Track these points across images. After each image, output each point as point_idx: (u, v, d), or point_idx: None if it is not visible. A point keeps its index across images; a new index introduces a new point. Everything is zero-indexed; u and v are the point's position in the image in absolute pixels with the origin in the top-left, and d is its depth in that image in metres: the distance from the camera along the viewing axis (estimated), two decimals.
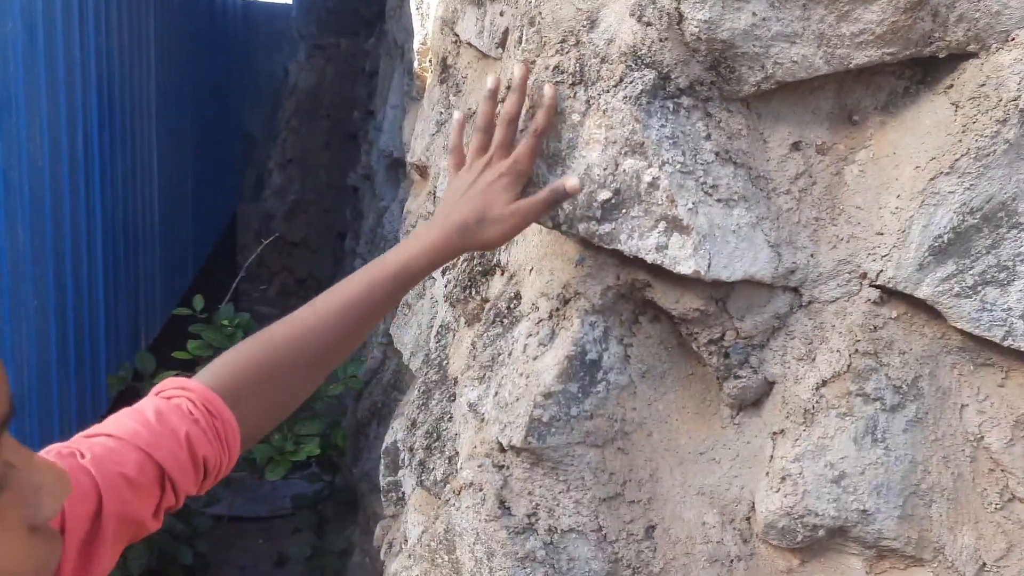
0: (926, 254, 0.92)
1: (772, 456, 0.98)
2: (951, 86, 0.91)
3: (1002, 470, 0.97)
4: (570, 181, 0.94)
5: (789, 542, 0.97)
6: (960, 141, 0.89)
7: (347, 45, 7.16)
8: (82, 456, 0.73)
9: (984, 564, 0.95)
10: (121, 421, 0.79)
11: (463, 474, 1.06)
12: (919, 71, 0.94)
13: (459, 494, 1.04)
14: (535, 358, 1.05)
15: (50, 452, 0.73)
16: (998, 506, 0.97)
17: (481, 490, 1.03)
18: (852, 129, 0.96)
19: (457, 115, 1.03)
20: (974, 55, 0.90)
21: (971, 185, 0.90)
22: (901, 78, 0.94)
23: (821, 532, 0.95)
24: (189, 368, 2.74)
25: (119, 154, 3.85)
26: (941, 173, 0.90)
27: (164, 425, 0.78)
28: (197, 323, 2.77)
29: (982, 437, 0.97)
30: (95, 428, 0.78)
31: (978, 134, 0.88)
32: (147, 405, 0.81)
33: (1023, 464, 0.96)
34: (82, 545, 0.70)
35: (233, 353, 0.89)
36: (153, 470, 0.77)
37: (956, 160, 0.90)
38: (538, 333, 1.07)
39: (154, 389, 0.84)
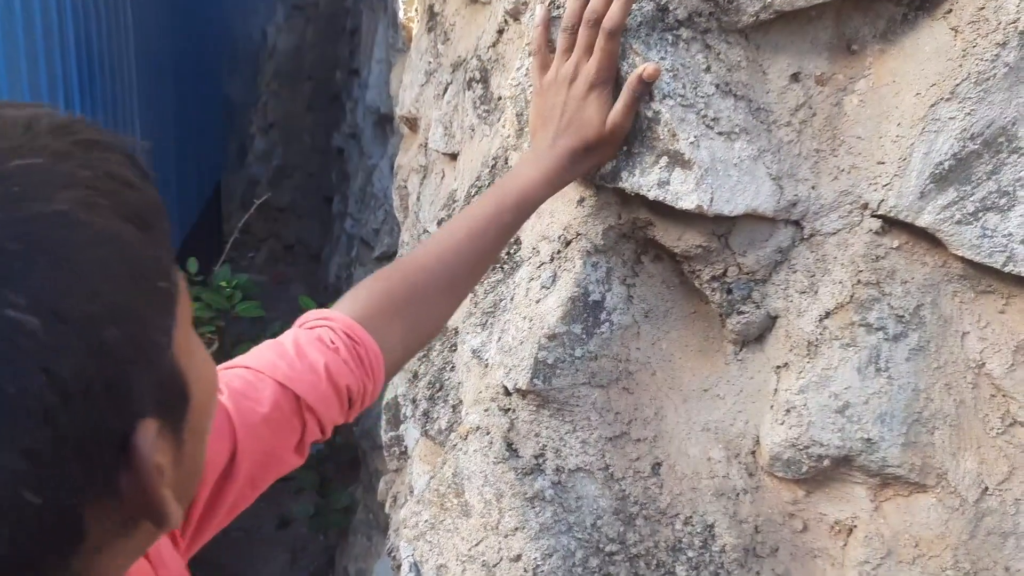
0: (927, 182, 0.92)
1: (776, 389, 0.99)
2: (950, 11, 0.90)
3: (1003, 395, 0.98)
4: (647, 68, 0.89)
5: (794, 473, 0.98)
6: (960, 66, 0.89)
7: (326, 3, 7.04)
8: (220, 393, 0.74)
9: (986, 488, 0.97)
10: (261, 353, 0.80)
11: (469, 419, 1.06)
12: None
13: (466, 438, 1.05)
14: (538, 301, 1.05)
15: None
16: (1000, 431, 0.98)
17: (488, 433, 1.03)
18: (851, 58, 0.95)
19: (540, 10, 0.98)
20: None
21: (972, 110, 0.89)
22: (900, 4, 0.93)
23: (826, 462, 0.96)
24: None
25: (100, 121, 3.79)
26: (942, 99, 0.90)
27: (303, 357, 0.79)
28: (193, 286, 2.76)
29: (983, 363, 0.98)
30: (235, 360, 0.80)
31: (978, 58, 0.87)
32: (287, 337, 0.82)
33: (1023, 390, 0.97)
34: (216, 483, 0.73)
35: (368, 283, 0.90)
36: (291, 403, 0.78)
37: (956, 85, 0.89)
38: (540, 276, 1.06)
39: (297, 321, 0.86)
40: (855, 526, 0.99)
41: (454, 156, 1.59)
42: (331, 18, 6.93)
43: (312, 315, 0.87)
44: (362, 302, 0.88)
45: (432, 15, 1.68)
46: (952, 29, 0.91)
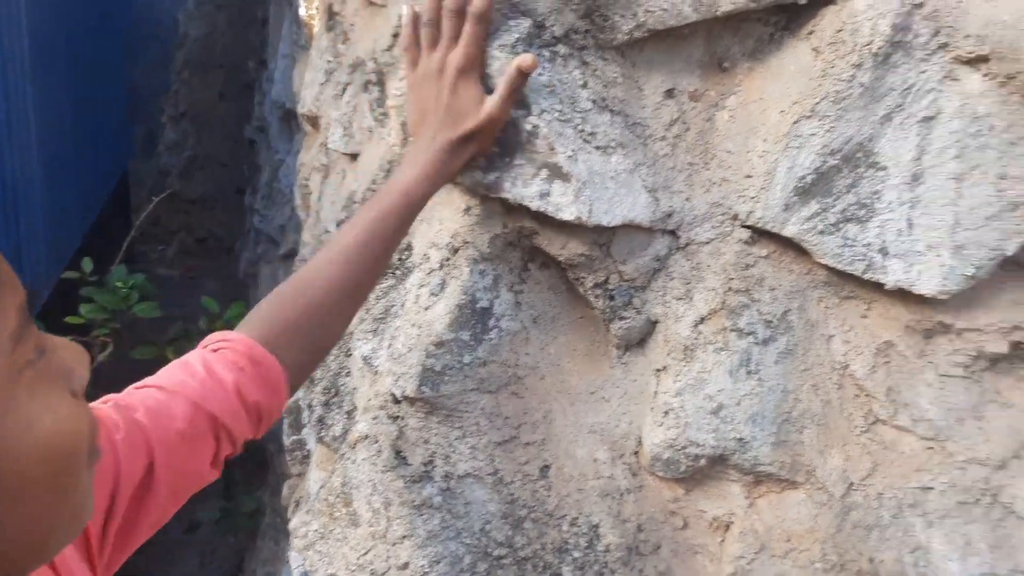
0: (791, 195, 0.96)
1: (656, 392, 1.02)
2: (812, 32, 0.95)
3: (866, 395, 1.04)
4: (524, 59, 0.90)
5: (674, 473, 1.02)
6: (820, 85, 0.94)
7: None
8: (135, 410, 0.75)
9: (852, 483, 1.03)
10: (172, 373, 0.82)
11: (358, 427, 1.07)
12: (783, 17, 0.97)
13: (355, 447, 1.06)
14: (427, 308, 1.06)
15: (107, 402, 0.76)
16: (863, 429, 1.04)
17: (376, 442, 1.04)
18: (722, 76, 0.99)
19: (406, 10, 0.98)
20: (832, 1, 0.93)
21: (831, 127, 0.94)
22: (767, 24, 0.98)
23: (703, 461, 1.01)
24: (84, 333, 2.64)
25: None
26: (803, 117, 0.95)
27: (212, 375, 0.82)
28: (88, 286, 2.66)
29: (847, 365, 1.03)
30: (146, 380, 0.81)
31: (836, 78, 0.92)
32: (194, 357, 0.84)
33: (884, 389, 1.03)
34: (134, 497, 0.74)
35: (267, 302, 0.92)
36: (205, 420, 0.80)
37: (816, 104, 0.94)
38: (429, 283, 1.08)
39: (201, 344, 0.88)
40: (732, 522, 1.04)
41: (354, 156, 1.58)
42: (243, 6, 6.76)
43: (214, 337, 0.88)
44: (260, 323, 0.90)
45: (331, 15, 1.66)
46: (814, 50, 0.95)
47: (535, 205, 0.96)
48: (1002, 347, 1.02)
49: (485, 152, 0.97)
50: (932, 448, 1.03)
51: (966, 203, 0.96)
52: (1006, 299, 1.03)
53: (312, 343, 0.94)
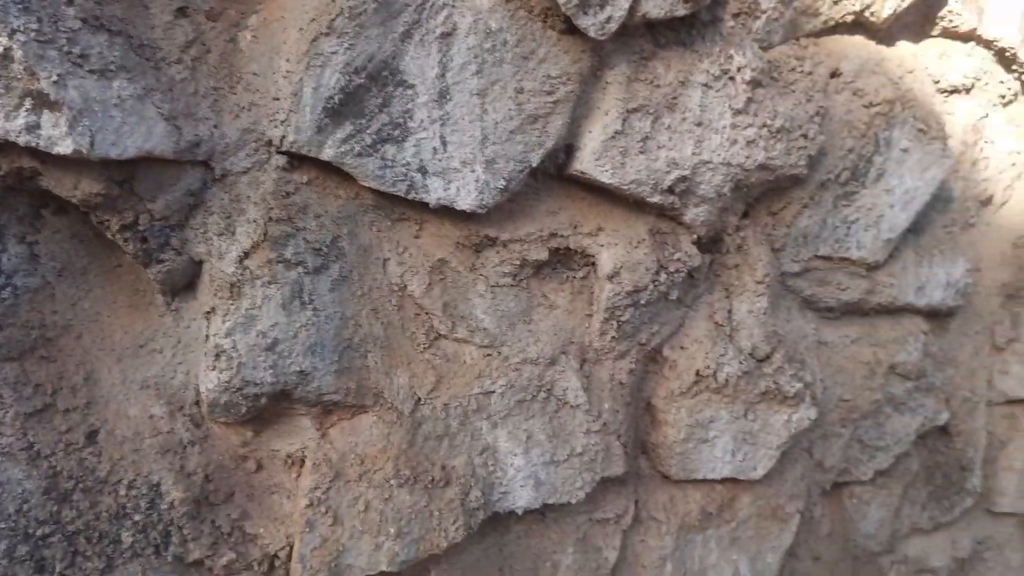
0: (321, 116, 0.94)
1: (208, 335, 0.96)
2: None
3: (426, 313, 1.06)
4: None
5: (236, 416, 0.97)
6: (334, 1, 0.91)
7: None
8: None
9: (420, 399, 1.05)
10: None
11: None
12: None
13: None
14: None
15: None
16: (426, 345, 1.07)
17: None
18: None
19: None
20: None
21: (351, 45, 0.93)
22: None
23: (264, 400, 0.97)
24: None
25: None
26: (322, 34, 0.92)
27: None
28: None
29: (405, 286, 1.05)
30: None
31: None
32: None
33: (441, 305, 1.06)
34: None
35: None
36: None
37: (333, 20, 0.92)
38: None
39: None
40: (305, 456, 1.02)
41: None
42: None
43: None
44: None
45: None
46: None
47: (23, 140, 0.83)
48: (543, 254, 1.10)
49: None
50: (490, 355, 1.09)
51: (491, 118, 1.00)
52: (542, 209, 1.10)
53: None
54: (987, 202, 1.56)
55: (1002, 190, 1.58)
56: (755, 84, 1.09)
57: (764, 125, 1.12)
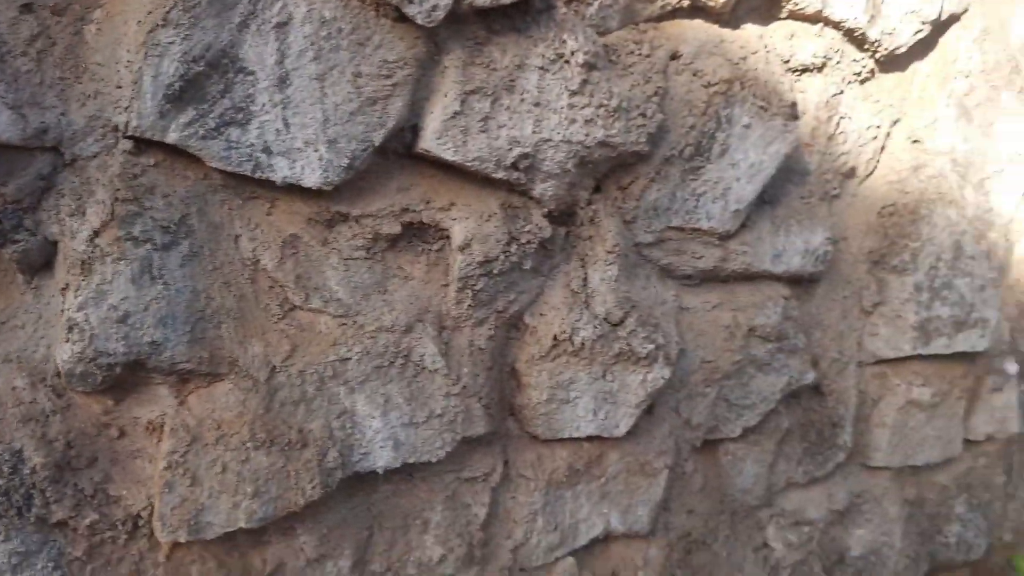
0: (163, 102, 1.00)
1: (63, 310, 1.03)
2: None
3: (279, 286, 1.13)
4: None
5: (92, 386, 1.04)
6: None
7: None
8: None
9: (274, 367, 1.12)
10: None
11: None
12: None
13: None
14: None
15: None
16: (280, 316, 1.14)
17: None
18: None
19: None
20: None
21: (187, 35, 0.99)
22: None
23: (118, 370, 1.04)
24: None
25: None
26: (158, 25, 0.98)
27: None
28: None
29: (258, 260, 1.12)
30: None
31: None
32: None
33: (294, 277, 1.13)
34: None
35: None
36: None
37: (168, 12, 0.98)
38: None
39: None
40: (165, 423, 1.09)
41: None
42: None
43: None
44: None
45: None
46: None
47: None
48: (396, 228, 1.17)
49: None
50: (345, 324, 1.16)
51: (331, 101, 1.07)
52: (393, 186, 1.17)
53: None
54: (850, 174, 1.65)
55: (864, 163, 1.67)
56: (589, 67, 1.17)
57: (601, 105, 1.19)
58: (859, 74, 1.57)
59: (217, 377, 1.10)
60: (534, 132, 1.17)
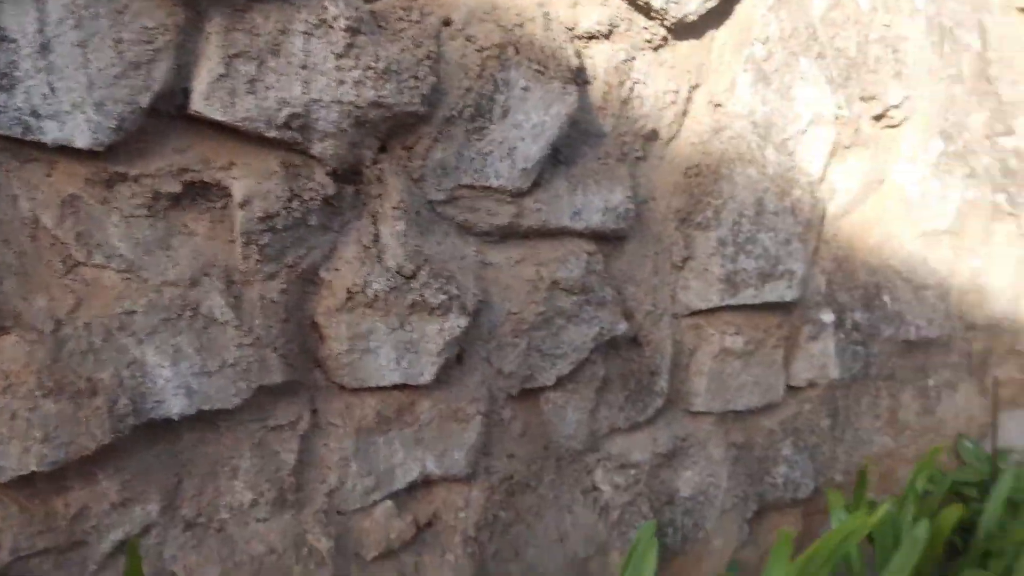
0: None
1: None
2: None
3: (61, 243, 1.20)
4: None
5: None
6: None
7: None
8: None
9: (60, 320, 1.19)
10: None
11: None
12: None
13: None
14: None
15: None
16: (64, 272, 1.21)
17: None
18: None
19: None
20: None
21: None
22: None
23: None
24: None
25: None
26: None
27: None
28: None
29: (38, 219, 1.18)
30: None
31: None
32: None
33: (75, 235, 1.20)
34: None
35: None
36: None
37: None
38: None
39: None
40: None
41: None
42: None
43: None
44: None
45: None
46: None
47: None
48: (176, 187, 1.24)
49: None
50: (129, 279, 1.24)
51: (95, 66, 1.14)
52: (170, 147, 1.25)
53: None
54: (651, 137, 1.78)
55: (666, 126, 1.79)
56: (353, 31, 1.26)
57: (368, 67, 1.29)
58: (650, 41, 1.69)
59: (2, 331, 1.16)
60: (303, 93, 1.26)
